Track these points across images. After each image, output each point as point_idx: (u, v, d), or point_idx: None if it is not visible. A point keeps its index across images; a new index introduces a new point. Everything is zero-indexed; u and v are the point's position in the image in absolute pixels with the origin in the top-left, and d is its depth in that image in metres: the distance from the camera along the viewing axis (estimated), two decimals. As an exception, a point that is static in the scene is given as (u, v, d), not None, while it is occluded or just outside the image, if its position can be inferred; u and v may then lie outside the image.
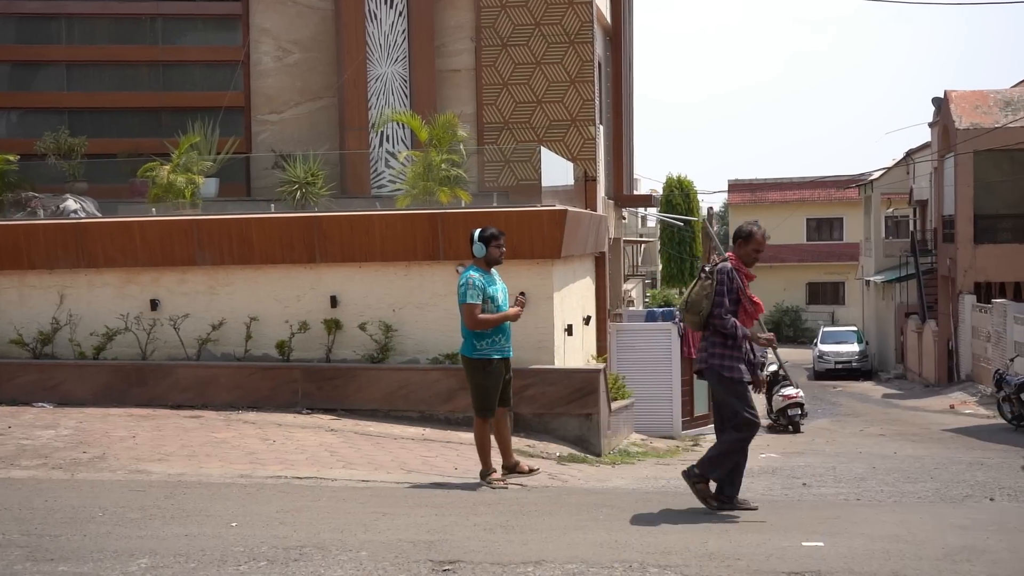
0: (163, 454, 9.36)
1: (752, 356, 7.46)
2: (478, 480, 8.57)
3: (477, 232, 8.70)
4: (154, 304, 12.89)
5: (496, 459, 8.78)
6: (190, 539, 6.21)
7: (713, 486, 7.38)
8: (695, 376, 8.74)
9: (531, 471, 8.96)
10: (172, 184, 14.87)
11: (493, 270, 8.76)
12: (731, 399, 7.30)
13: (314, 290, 12.71)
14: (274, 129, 18.96)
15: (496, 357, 8.58)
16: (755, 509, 7.35)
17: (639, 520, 6.94)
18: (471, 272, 8.60)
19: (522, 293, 9.11)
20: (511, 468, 8.86)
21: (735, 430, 7.30)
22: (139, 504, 7.23)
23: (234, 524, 6.63)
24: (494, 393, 8.61)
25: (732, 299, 7.24)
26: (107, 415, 11.36)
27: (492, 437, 8.77)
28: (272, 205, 15.17)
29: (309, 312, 12.63)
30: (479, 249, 8.64)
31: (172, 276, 12.95)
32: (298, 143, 18.12)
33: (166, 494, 7.62)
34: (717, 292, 7.21)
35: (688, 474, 7.41)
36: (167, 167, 15.10)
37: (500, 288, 8.72)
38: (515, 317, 8.69)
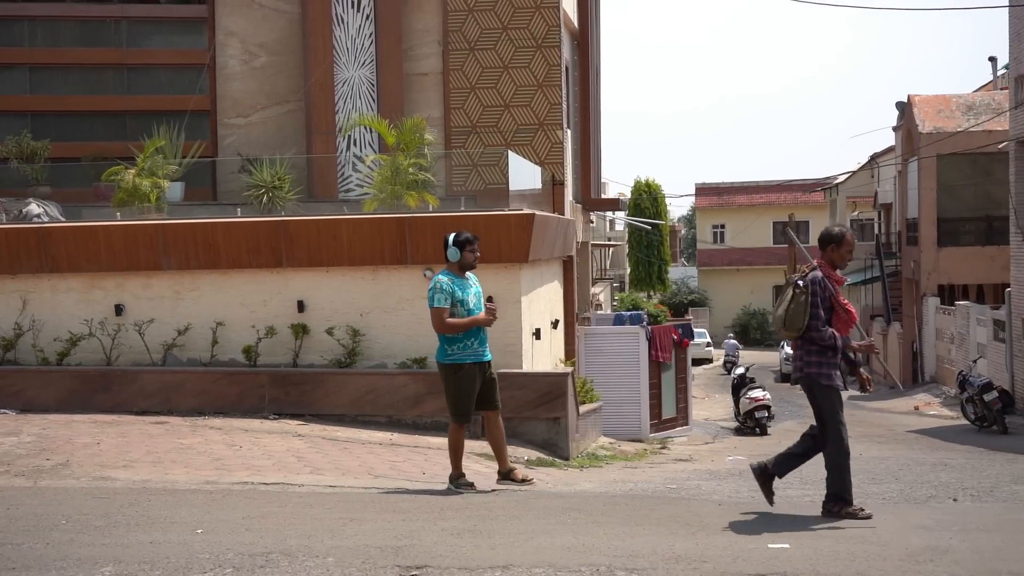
0: (128, 461, 9.28)
1: (854, 356, 7.35)
2: (446, 484, 8.55)
3: (451, 236, 8.66)
4: (119, 309, 12.78)
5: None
6: (155, 546, 6.15)
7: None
8: (792, 384, 8.55)
9: (524, 480, 8.86)
10: (137, 188, 14.76)
11: (469, 274, 8.72)
12: (825, 408, 7.20)
13: (281, 295, 12.65)
14: (240, 133, 18.87)
15: (469, 362, 8.51)
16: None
17: (606, 524, 6.96)
18: (440, 276, 8.57)
19: (490, 299, 9.04)
20: (506, 475, 8.80)
21: (833, 442, 7.18)
22: (103, 511, 7.16)
23: (200, 531, 6.58)
24: (467, 398, 8.55)
25: (826, 308, 7.10)
26: (71, 422, 11.24)
27: (479, 441, 8.67)
28: (238, 209, 15.10)
29: (276, 317, 12.57)
30: (453, 253, 8.60)
31: (137, 281, 12.85)
32: (265, 147, 18.05)
33: (131, 501, 7.55)
34: (812, 304, 7.05)
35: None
36: (132, 171, 14.98)
37: (474, 292, 8.66)
38: (485, 322, 8.63)
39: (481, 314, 8.62)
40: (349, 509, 7.41)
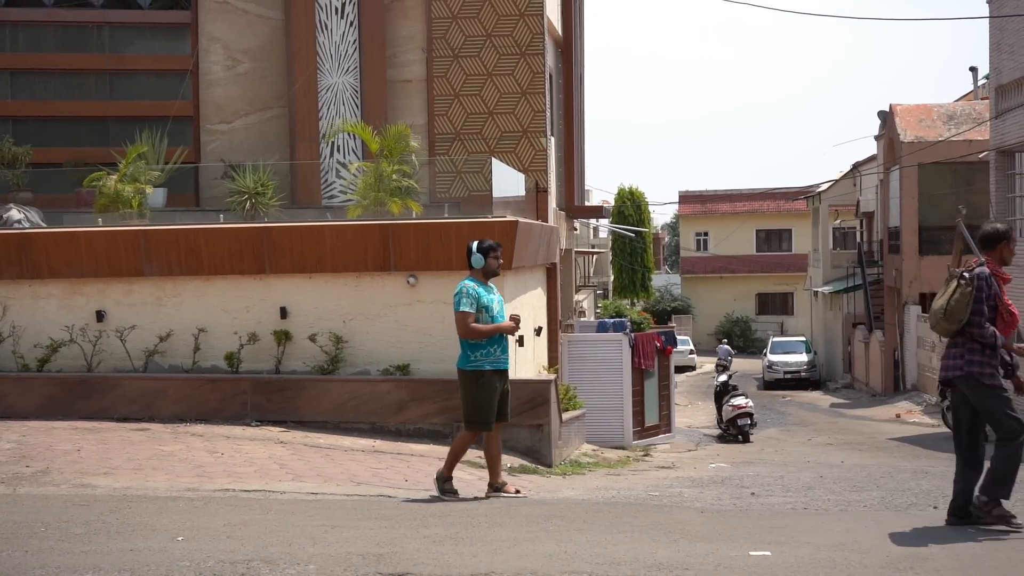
0: (108, 468, 9.23)
1: (1011, 359, 7.09)
2: (430, 491, 8.53)
3: (475, 244, 8.67)
4: (100, 315, 12.72)
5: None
6: (135, 554, 6.12)
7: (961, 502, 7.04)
8: (939, 387, 7.93)
9: (517, 493, 8.80)
10: (119, 194, 14.70)
11: (491, 282, 8.71)
12: (993, 407, 6.94)
13: (264, 301, 12.62)
14: (223, 139, 18.82)
15: (488, 368, 8.48)
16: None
17: (589, 531, 6.96)
18: (467, 281, 8.56)
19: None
20: (498, 488, 8.74)
21: (1004, 440, 6.91)
22: (83, 519, 7.12)
23: (180, 538, 6.55)
24: (488, 406, 8.50)
25: (989, 305, 6.90)
26: (51, 428, 11.18)
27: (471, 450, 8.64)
28: (221, 215, 15.05)
29: (259, 323, 12.54)
30: (477, 260, 8.60)
31: (119, 287, 12.79)
32: (248, 153, 17.99)
33: (111, 508, 7.51)
34: (975, 299, 6.86)
35: (976, 512, 7.02)
36: (114, 177, 14.92)
37: (497, 299, 8.67)
38: (509, 330, 8.63)
39: (506, 321, 8.62)
40: (331, 516, 7.40)
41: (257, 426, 11.77)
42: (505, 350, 8.65)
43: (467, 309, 8.42)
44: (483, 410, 8.50)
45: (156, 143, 16.10)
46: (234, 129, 18.86)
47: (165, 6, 19.49)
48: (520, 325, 8.78)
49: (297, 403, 12.05)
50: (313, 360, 12.40)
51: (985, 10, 24.22)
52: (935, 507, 8.94)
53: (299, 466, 9.76)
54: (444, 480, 8.53)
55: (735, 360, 49.89)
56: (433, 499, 8.36)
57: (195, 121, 18.82)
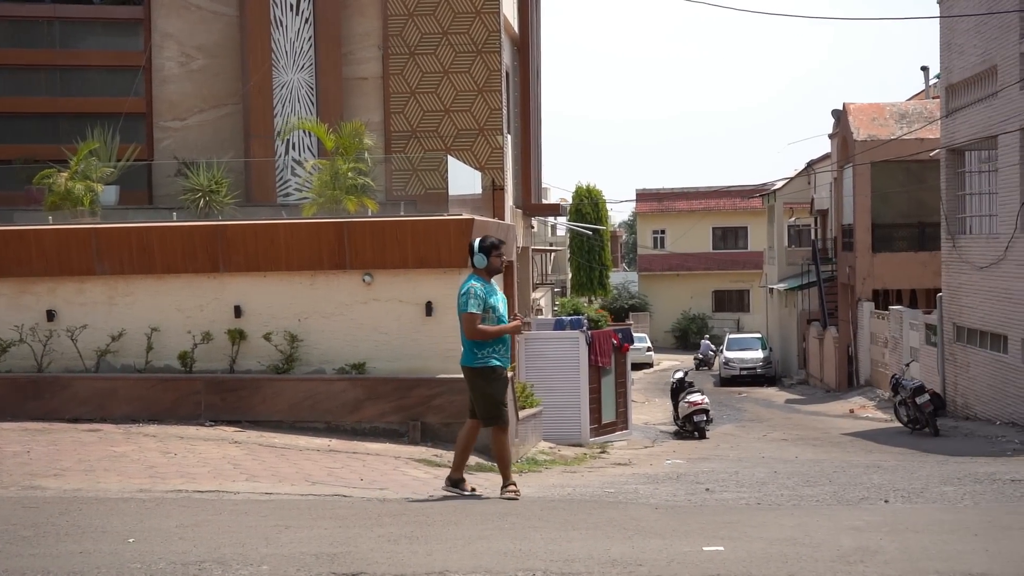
0: (59, 469, 9.11)
1: None
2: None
3: (476, 242, 8.60)
4: (51, 315, 12.55)
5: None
6: (85, 556, 6.05)
7: None
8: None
9: (472, 491, 8.75)
10: (70, 192, 14.51)
11: (492, 280, 8.69)
12: None
13: (218, 300, 12.51)
14: (177, 136, 18.64)
15: (497, 364, 8.50)
16: None
17: (544, 528, 6.98)
18: (472, 281, 8.51)
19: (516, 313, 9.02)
20: (455, 483, 8.72)
21: None
22: (32, 521, 7.02)
23: (131, 540, 6.48)
24: (502, 399, 8.52)
25: None
26: (0, 429, 11.01)
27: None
28: (174, 213, 14.91)
29: (212, 322, 12.43)
30: (480, 260, 8.55)
31: (70, 286, 12.63)
32: (202, 150, 17.84)
33: (61, 510, 7.41)
34: None
35: None
36: (65, 174, 14.73)
37: (500, 298, 8.64)
38: (516, 330, 8.61)
39: (513, 322, 8.66)
40: (285, 516, 7.35)
41: (211, 426, 11.67)
42: (508, 349, 8.66)
43: (474, 311, 8.38)
44: (497, 405, 8.51)
45: (108, 140, 15.92)
46: (188, 126, 18.68)
47: (118, 1, 19.27)
48: (524, 324, 8.82)
49: (252, 403, 11.97)
50: (268, 359, 12.31)
51: (936, 10, 24.54)
52: (886, 501, 9.06)
53: (253, 466, 9.69)
54: (505, 487, 8.52)
55: (688, 357, 50.35)
56: (429, 500, 8.33)
57: (148, 118, 18.63)
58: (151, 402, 11.96)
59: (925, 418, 19.80)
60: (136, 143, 17.57)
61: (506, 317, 8.64)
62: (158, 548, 6.25)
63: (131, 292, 12.60)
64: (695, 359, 46.72)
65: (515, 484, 8.65)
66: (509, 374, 9.20)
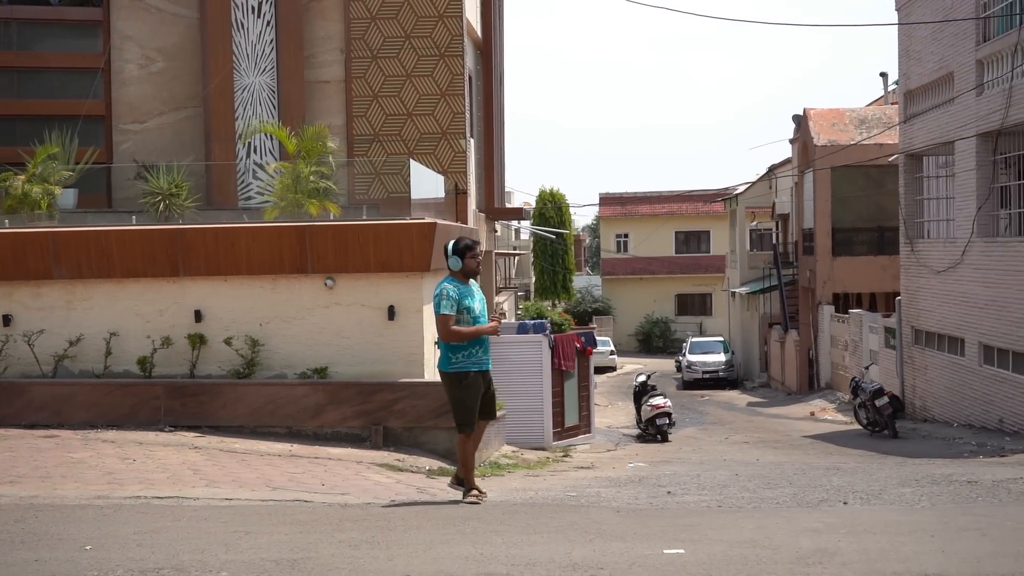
0: (14, 476, 8.99)
1: None
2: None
3: (450, 245, 8.59)
4: (7, 319, 12.39)
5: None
6: (40, 564, 5.97)
7: None
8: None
9: (480, 494, 8.68)
10: (27, 195, 14.34)
11: (472, 281, 8.66)
12: None
13: (178, 304, 12.41)
14: (137, 139, 18.47)
15: (473, 370, 8.49)
16: None
17: (505, 532, 6.97)
18: (446, 283, 8.51)
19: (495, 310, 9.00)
20: (460, 481, 8.75)
21: None
22: (-13, 529, 6.92)
23: (88, 547, 6.40)
24: (473, 406, 8.53)
25: None
26: (-45, 436, 10.85)
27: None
28: (134, 217, 14.77)
29: (172, 327, 12.32)
30: (455, 263, 8.54)
31: (26, 290, 12.48)
32: (162, 153, 17.69)
33: (16, 518, 7.31)
34: None
35: None
36: (22, 177, 14.55)
37: (478, 299, 8.61)
38: (491, 331, 8.59)
39: (490, 324, 8.61)
40: (245, 522, 7.30)
41: (171, 431, 11.57)
42: (487, 351, 8.64)
43: (447, 312, 8.38)
44: (469, 411, 8.54)
45: (66, 143, 15.74)
46: (148, 129, 18.52)
47: (76, 3, 19.07)
48: (500, 324, 8.81)
49: (212, 408, 11.88)
50: (229, 364, 12.23)
51: (895, 17, 24.84)
52: (845, 503, 9.13)
53: (213, 472, 9.61)
54: (468, 490, 8.59)
55: (650, 360, 50.50)
56: (391, 504, 8.31)
57: (107, 120, 18.45)
58: (110, 408, 11.83)
59: (884, 420, 20.01)
60: (95, 146, 17.40)
61: (484, 318, 8.62)
62: (115, 555, 6.18)
63: (89, 296, 12.47)
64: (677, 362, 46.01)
65: (477, 489, 8.69)
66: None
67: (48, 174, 14.80)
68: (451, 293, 8.42)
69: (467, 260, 8.56)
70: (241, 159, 18.04)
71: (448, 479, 10.61)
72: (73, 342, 12.28)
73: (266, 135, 17.48)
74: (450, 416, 11.77)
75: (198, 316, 12.33)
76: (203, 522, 7.31)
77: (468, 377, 8.47)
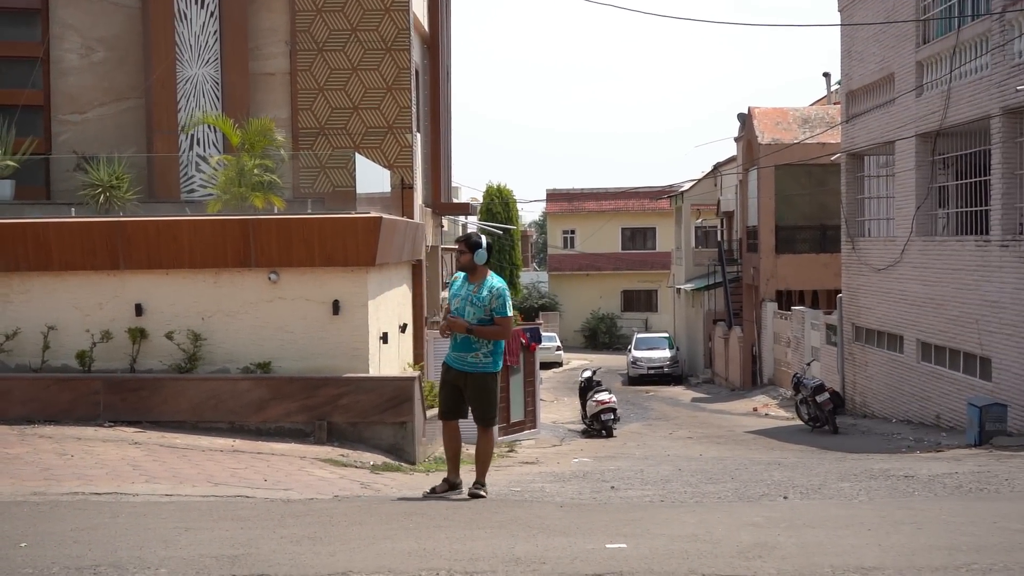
0: (-52, 472, 8.80)
1: None
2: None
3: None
4: (-59, 313, 12.12)
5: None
6: (-27, 562, 5.85)
7: None
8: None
9: (474, 494, 8.65)
10: (-38, 185, 14.05)
11: (492, 276, 8.67)
12: None
13: (117, 298, 12.22)
14: (76, 130, 18.15)
15: (447, 363, 8.70)
16: None
17: (448, 527, 6.97)
18: (456, 274, 8.82)
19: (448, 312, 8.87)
20: (453, 485, 8.80)
21: None
22: (-82, 526, 6.77)
23: (24, 544, 6.29)
24: (441, 398, 8.76)
25: None
26: None
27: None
28: (73, 209, 14.52)
29: (112, 321, 12.14)
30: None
31: (-39, 283, 12.21)
32: (103, 145, 17.40)
33: (-51, 515, 7.16)
34: None
35: None
36: (-43, 167, 14.25)
37: (463, 295, 8.55)
38: (441, 329, 8.71)
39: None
40: (185, 518, 7.21)
41: (110, 427, 11.39)
42: (456, 348, 8.57)
43: (449, 304, 8.68)
44: (439, 400, 8.85)
45: (3, 133, 15.43)
46: (88, 120, 18.21)
47: (14, -10, 18.66)
48: (451, 325, 8.52)
49: (153, 403, 11.72)
50: (170, 358, 12.07)
51: (837, 18, 25.16)
52: (785, 497, 9.25)
53: (154, 467, 9.49)
54: (474, 484, 8.70)
55: (596, 356, 50.72)
56: (334, 500, 8.25)
57: (46, 111, 18.10)
58: (47, 403, 11.62)
59: (825, 416, 20.30)
60: (33, 136, 17.07)
61: (461, 313, 8.54)
62: (51, 552, 6.08)
63: (27, 289, 12.24)
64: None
65: (444, 484, 8.87)
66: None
67: (-16, 164, 14.52)
68: (451, 285, 8.75)
69: (458, 256, 8.79)
70: (184, 151, 17.80)
71: (390, 474, 10.59)
72: (9, 336, 12.05)
73: (210, 127, 17.27)
74: (395, 411, 11.84)
75: (139, 310, 12.16)
76: (142, 518, 7.21)
77: (444, 368, 8.77)
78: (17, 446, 10.13)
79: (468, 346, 8.53)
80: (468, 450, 16.02)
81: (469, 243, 8.62)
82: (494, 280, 8.60)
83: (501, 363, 8.75)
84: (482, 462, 8.80)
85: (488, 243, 8.70)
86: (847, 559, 5.88)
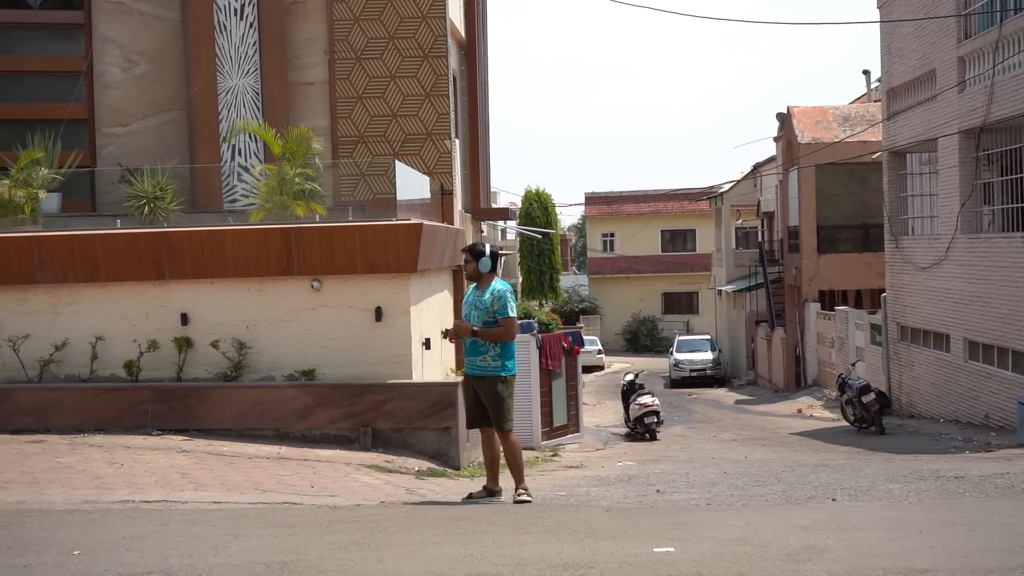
0: (1, 481, 8.94)
1: None
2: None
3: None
4: (-9, 325, 12.32)
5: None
6: (28, 570, 5.94)
7: None
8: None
9: (517, 500, 8.75)
10: (11, 199, 14.26)
11: (497, 282, 8.86)
12: None
13: (164, 308, 12.37)
14: (120, 142, 18.37)
15: (467, 372, 8.90)
16: None
17: (495, 532, 6.97)
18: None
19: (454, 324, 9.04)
20: (492, 492, 8.92)
21: None
22: (-27, 535, 6.88)
23: (77, 552, 6.37)
24: (466, 407, 9.00)
25: None
26: (-60, 443, 10.79)
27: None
28: (118, 220, 14.69)
29: (159, 330, 12.28)
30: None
31: (11, 295, 12.42)
32: (146, 157, 17.58)
33: (3, 524, 7.27)
34: None
35: None
36: (6, 181, 14.47)
37: (469, 301, 8.84)
38: (452, 334, 8.85)
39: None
40: (234, 525, 7.28)
41: (158, 435, 11.53)
42: (468, 353, 8.83)
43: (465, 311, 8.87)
44: (465, 409, 9.09)
45: (50, 147, 15.64)
46: (131, 132, 18.42)
47: (56, 6, 18.94)
48: (455, 332, 8.84)
49: (199, 411, 11.84)
50: (216, 367, 12.19)
51: (877, 15, 24.93)
52: (833, 499, 9.17)
53: (202, 475, 9.58)
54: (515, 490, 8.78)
55: (637, 359, 50.51)
56: (380, 506, 8.31)
57: (90, 124, 18.33)
58: (96, 412, 11.79)
59: (871, 417, 20.08)
60: (78, 149, 17.28)
61: (469, 316, 8.79)
62: (104, 560, 6.16)
63: (74, 301, 12.42)
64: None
65: (482, 491, 8.98)
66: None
67: (31, 178, 14.72)
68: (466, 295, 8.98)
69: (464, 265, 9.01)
70: (226, 162, 17.96)
71: (435, 479, 10.62)
72: (59, 347, 12.22)
73: (250, 138, 17.41)
74: (439, 416, 11.88)
75: (184, 319, 12.29)
76: (192, 526, 7.28)
77: (463, 378, 9.06)
78: (68, 455, 10.28)
79: (476, 350, 8.75)
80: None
81: (473, 252, 8.93)
82: (497, 284, 8.83)
83: (513, 366, 8.84)
84: (513, 467, 8.89)
85: (492, 251, 8.92)
86: (899, 561, 5.82)
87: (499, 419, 8.72)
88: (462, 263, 9.01)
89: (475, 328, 8.65)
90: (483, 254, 8.83)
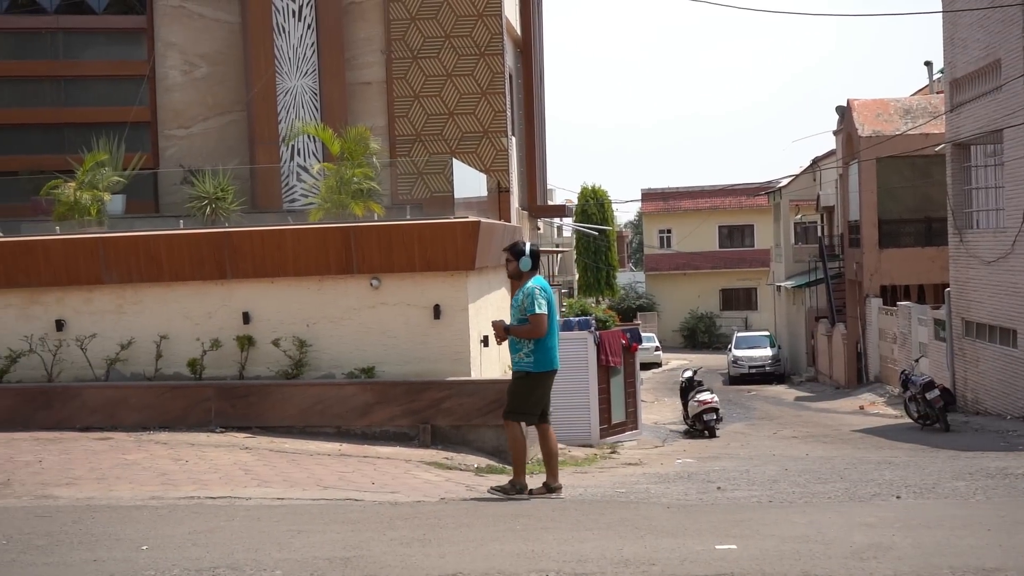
0: (71, 478, 9.13)
1: None
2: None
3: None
4: (60, 324, 12.58)
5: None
6: (99, 564, 6.06)
7: None
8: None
9: (551, 490, 8.92)
10: (77, 202, 14.56)
11: (536, 279, 8.91)
12: None
13: (226, 307, 12.53)
14: (182, 144, 18.68)
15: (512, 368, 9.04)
16: None
17: (556, 529, 6.98)
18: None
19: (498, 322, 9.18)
20: (552, 488, 8.97)
21: None
22: (45, 530, 7.03)
23: (145, 547, 6.49)
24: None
25: None
26: (11, 440, 11.04)
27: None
28: (181, 221, 14.94)
29: (221, 329, 12.45)
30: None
31: (78, 295, 12.66)
32: (207, 158, 17.87)
33: (74, 519, 7.43)
34: None
35: None
36: (72, 184, 14.77)
37: (514, 302, 8.99)
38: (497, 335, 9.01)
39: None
40: (297, 521, 7.36)
41: (221, 432, 11.68)
42: (509, 350, 9.05)
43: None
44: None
45: (114, 149, 15.95)
46: (192, 134, 18.73)
47: (120, 11, 19.31)
48: (500, 331, 8.99)
49: (261, 408, 11.98)
50: (277, 365, 12.33)
51: (938, 4, 24.50)
52: (898, 497, 9.04)
53: (265, 472, 9.70)
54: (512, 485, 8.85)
55: (695, 355, 50.21)
56: (441, 502, 8.39)
57: (153, 126, 18.68)
58: (161, 410, 11.98)
59: (935, 413, 19.75)
60: (141, 152, 17.61)
61: (510, 319, 9.09)
62: (171, 555, 6.26)
63: (139, 300, 12.63)
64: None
65: (520, 485, 8.88)
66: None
67: (97, 181, 15.02)
68: None
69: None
70: (285, 162, 18.18)
71: (494, 476, 10.64)
72: (124, 345, 12.44)
73: (309, 138, 17.60)
74: (497, 413, 11.84)
75: (246, 318, 12.45)
76: (256, 521, 7.38)
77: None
78: (134, 452, 10.46)
79: (514, 347, 8.96)
80: (568, 451, 15.98)
81: (513, 251, 8.97)
82: (530, 282, 8.87)
83: (547, 362, 8.85)
84: (513, 458, 9.05)
85: (533, 249, 8.93)
86: (967, 560, 5.72)
87: (508, 405, 8.98)
88: (503, 262, 9.00)
89: (506, 326, 8.87)
90: (523, 253, 8.88)
